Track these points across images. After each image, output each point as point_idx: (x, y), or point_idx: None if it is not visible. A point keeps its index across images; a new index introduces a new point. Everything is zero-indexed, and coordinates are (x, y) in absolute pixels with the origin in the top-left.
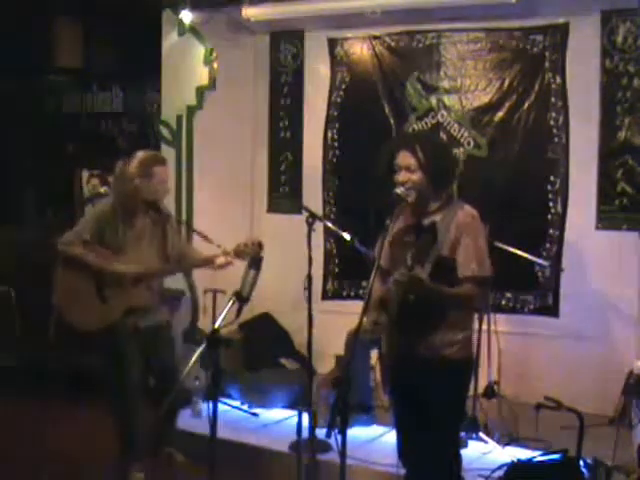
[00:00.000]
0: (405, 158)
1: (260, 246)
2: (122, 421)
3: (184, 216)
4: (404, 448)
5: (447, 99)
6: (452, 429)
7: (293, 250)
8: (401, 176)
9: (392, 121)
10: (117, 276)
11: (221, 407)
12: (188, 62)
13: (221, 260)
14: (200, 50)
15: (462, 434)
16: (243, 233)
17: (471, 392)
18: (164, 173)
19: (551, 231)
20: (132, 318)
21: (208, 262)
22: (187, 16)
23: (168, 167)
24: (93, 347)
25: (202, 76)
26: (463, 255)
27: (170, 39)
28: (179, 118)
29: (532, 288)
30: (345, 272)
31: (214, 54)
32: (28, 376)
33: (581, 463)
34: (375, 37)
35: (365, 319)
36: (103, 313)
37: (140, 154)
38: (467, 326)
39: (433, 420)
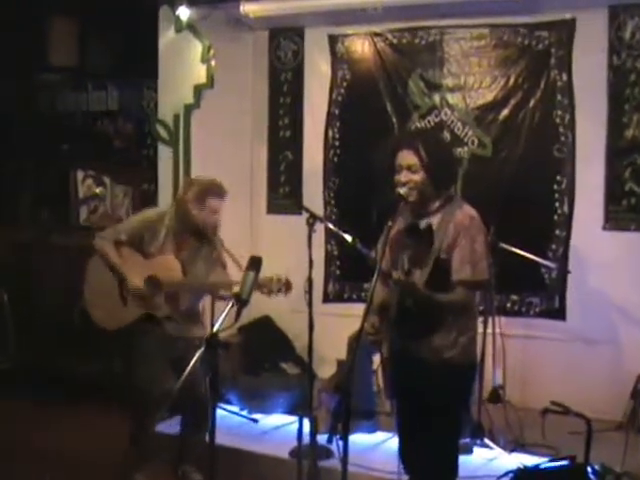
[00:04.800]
0: (407, 158)
1: (287, 285)
2: (131, 421)
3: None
4: (406, 453)
5: (450, 97)
6: (454, 434)
7: (293, 252)
8: (403, 176)
9: (394, 120)
10: (129, 290)
11: (220, 413)
12: (185, 60)
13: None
14: (198, 47)
15: (467, 440)
16: (242, 234)
17: (476, 397)
18: (218, 205)
19: (557, 232)
20: (155, 324)
21: (225, 287)
22: (184, 12)
23: (224, 199)
24: (113, 346)
25: (200, 74)
26: (458, 258)
27: (167, 36)
28: (176, 117)
29: (538, 290)
30: (346, 274)
31: (212, 51)
32: (24, 379)
33: (589, 470)
34: (377, 34)
35: (367, 322)
36: (122, 315)
37: (203, 181)
38: (469, 329)
39: (435, 425)
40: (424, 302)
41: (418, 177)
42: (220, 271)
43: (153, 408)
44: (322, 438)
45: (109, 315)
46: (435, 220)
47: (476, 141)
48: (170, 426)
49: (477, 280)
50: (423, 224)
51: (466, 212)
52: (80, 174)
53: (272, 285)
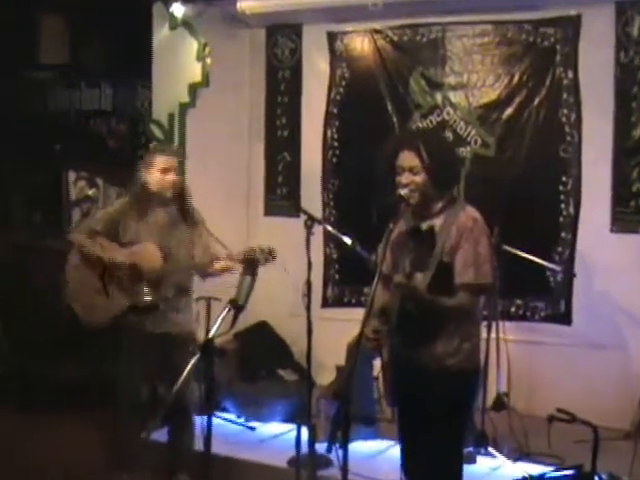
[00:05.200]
0: (408, 159)
1: (272, 253)
2: (114, 427)
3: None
4: (407, 461)
5: (453, 96)
6: (457, 442)
7: (291, 255)
8: (404, 178)
9: (395, 119)
10: (115, 269)
11: (216, 421)
12: (180, 58)
13: (221, 264)
14: (193, 45)
15: (470, 449)
16: (239, 237)
17: (479, 404)
18: (166, 163)
19: (563, 234)
20: (138, 318)
21: (208, 264)
22: (179, 9)
23: (175, 157)
24: (98, 346)
25: (195, 72)
26: (461, 261)
27: (161, 33)
28: (171, 116)
29: (543, 294)
30: (346, 278)
31: (208, 49)
32: (14, 385)
33: (596, 479)
34: (377, 31)
35: (367, 327)
36: (106, 308)
37: (150, 145)
38: (472, 335)
39: (437, 433)
40: (426, 306)
41: (419, 179)
42: (202, 247)
43: (128, 414)
44: (321, 447)
45: (93, 310)
46: (437, 222)
47: (479, 141)
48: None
49: (481, 284)
50: (425, 226)
51: (469, 214)
52: (72, 175)
53: (257, 255)
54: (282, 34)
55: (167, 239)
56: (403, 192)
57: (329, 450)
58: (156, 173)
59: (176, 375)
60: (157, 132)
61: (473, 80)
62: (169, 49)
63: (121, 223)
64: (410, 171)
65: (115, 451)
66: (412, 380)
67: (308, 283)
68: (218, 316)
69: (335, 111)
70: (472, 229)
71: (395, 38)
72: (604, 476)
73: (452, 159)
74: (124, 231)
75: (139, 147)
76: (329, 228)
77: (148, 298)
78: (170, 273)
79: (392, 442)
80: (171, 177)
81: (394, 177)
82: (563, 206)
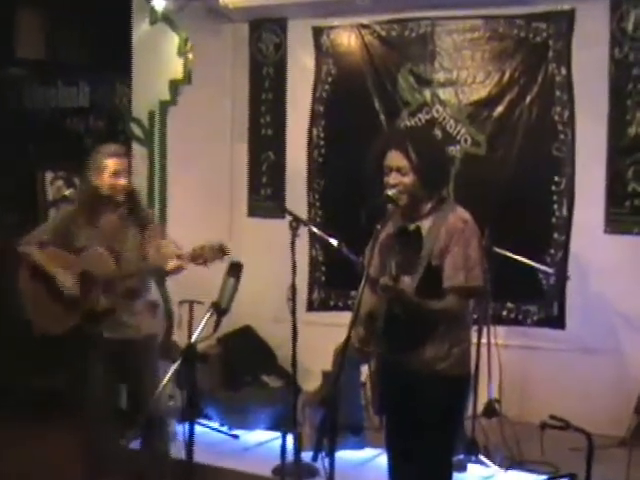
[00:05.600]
0: (396, 159)
1: (222, 250)
2: (83, 438)
3: (157, 221)
4: (395, 470)
5: (442, 93)
6: (447, 451)
7: (276, 257)
8: (392, 178)
9: (383, 117)
10: (61, 286)
11: (198, 429)
12: (161, 53)
13: (172, 264)
14: (174, 40)
15: (461, 457)
16: (221, 239)
17: (470, 411)
18: (117, 165)
19: (556, 235)
20: (95, 327)
21: (161, 265)
22: (160, 3)
23: (126, 159)
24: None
25: (176, 68)
26: (450, 264)
27: (141, 28)
28: (151, 114)
29: (535, 297)
30: (332, 281)
31: (189, 45)
32: None
33: None
34: (364, 26)
35: (354, 332)
36: (61, 318)
37: (97, 148)
38: (462, 339)
39: (426, 441)
40: (414, 310)
41: (408, 179)
42: (155, 248)
43: (94, 422)
44: (307, 455)
45: (50, 321)
46: (426, 224)
47: (469, 139)
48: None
49: (471, 287)
50: (412, 227)
51: (459, 215)
52: (49, 175)
53: (206, 253)
54: (266, 29)
55: (119, 242)
56: (391, 193)
57: (315, 459)
58: (108, 177)
59: (139, 380)
60: (137, 130)
61: (463, 77)
62: (149, 44)
63: (71, 230)
64: (398, 171)
65: (85, 459)
66: (400, 387)
67: (293, 286)
68: (200, 320)
69: (321, 109)
70: (462, 231)
71: (383, 33)
72: None
73: (442, 158)
74: (74, 237)
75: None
76: (315, 230)
77: (105, 303)
78: (123, 277)
79: (379, 450)
80: (123, 180)
81: (382, 177)
82: (556, 206)
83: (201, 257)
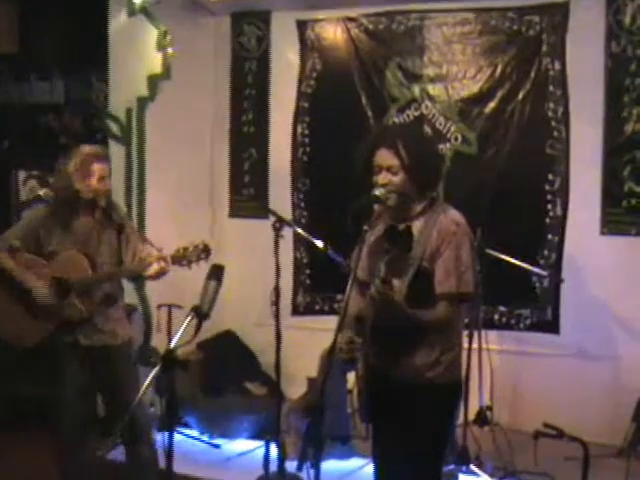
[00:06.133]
0: (385, 157)
1: (206, 250)
2: (58, 449)
3: (135, 221)
4: None
5: (432, 88)
6: (437, 461)
7: (259, 259)
8: (381, 177)
9: (370, 114)
10: (35, 294)
11: (178, 438)
12: (139, 48)
13: (154, 267)
14: (152, 34)
15: (451, 467)
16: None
17: (461, 419)
18: (104, 170)
19: (550, 237)
20: (70, 334)
21: (139, 269)
22: None
23: (109, 163)
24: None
25: (155, 63)
26: (442, 268)
27: (118, 21)
28: (129, 111)
29: (528, 301)
30: (318, 284)
31: (168, 38)
32: None
33: None
34: (350, 19)
35: (340, 337)
36: (34, 327)
37: (79, 149)
38: (453, 345)
39: (415, 451)
40: (403, 318)
41: (398, 179)
42: (131, 252)
43: (70, 431)
44: (291, 465)
45: (21, 332)
46: (417, 225)
47: (460, 137)
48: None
49: (462, 292)
50: (402, 226)
51: (451, 217)
52: (22, 174)
53: (189, 254)
54: (248, 22)
55: (94, 246)
56: (379, 192)
57: (300, 469)
58: (95, 182)
59: (117, 387)
60: (114, 128)
61: (453, 72)
62: (127, 38)
63: (42, 233)
64: (388, 170)
65: (61, 470)
66: (388, 394)
67: (277, 289)
68: (180, 325)
69: (306, 105)
70: (454, 233)
71: (370, 26)
72: None
73: (434, 157)
74: (47, 240)
75: (94, 144)
76: (299, 230)
77: (80, 312)
78: (99, 282)
79: (367, 460)
80: (107, 185)
81: (371, 177)
82: (550, 206)
83: (184, 259)
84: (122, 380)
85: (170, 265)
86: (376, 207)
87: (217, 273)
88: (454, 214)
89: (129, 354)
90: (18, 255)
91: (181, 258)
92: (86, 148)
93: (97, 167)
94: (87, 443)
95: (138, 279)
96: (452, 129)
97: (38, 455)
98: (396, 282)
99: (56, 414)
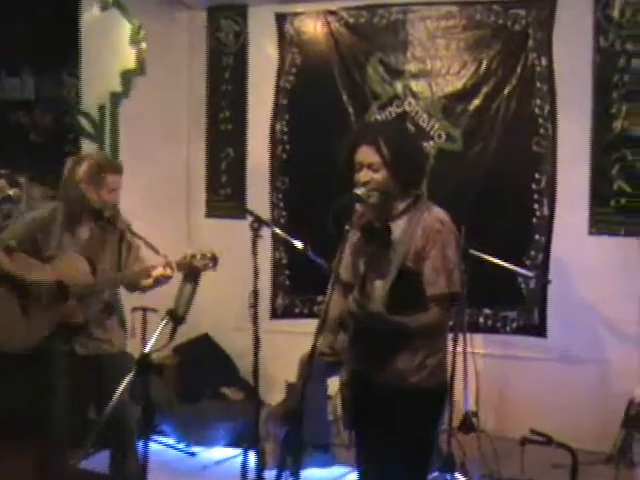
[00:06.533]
0: (367, 155)
1: (213, 259)
2: (41, 464)
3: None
4: None
5: (414, 84)
6: (422, 468)
7: (236, 261)
8: (362, 175)
9: (351, 110)
10: (38, 288)
11: (153, 446)
12: (112, 42)
13: (158, 271)
14: (126, 28)
15: (436, 474)
16: (178, 241)
17: (445, 425)
18: (117, 183)
19: (536, 237)
20: (66, 343)
21: (142, 275)
22: None
23: (122, 175)
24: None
25: (128, 59)
26: (430, 268)
27: (90, 15)
28: (101, 108)
29: (515, 303)
30: (297, 286)
31: (142, 33)
32: None
33: None
34: (331, 12)
35: (322, 341)
36: (27, 331)
37: (94, 157)
38: (439, 349)
39: (400, 458)
40: (390, 329)
41: (380, 176)
42: (134, 258)
43: (59, 442)
44: (270, 474)
45: (12, 335)
46: (401, 224)
47: (444, 135)
48: (98, 462)
49: (453, 293)
50: (378, 223)
51: (435, 215)
52: None
53: (196, 262)
54: (225, 16)
55: (96, 252)
56: (360, 191)
57: (279, 477)
58: (106, 193)
59: (110, 397)
60: (86, 125)
61: (437, 67)
62: (99, 32)
63: (41, 236)
64: (369, 167)
65: None
66: (371, 400)
67: (255, 292)
68: (155, 329)
69: (285, 102)
70: (439, 232)
71: (351, 20)
72: None
73: (417, 153)
74: (45, 245)
75: (66, 142)
76: (278, 231)
77: (77, 316)
78: (100, 289)
79: (349, 469)
80: (117, 196)
81: (352, 175)
82: (536, 206)
83: (190, 266)
84: (114, 391)
85: (175, 272)
86: (358, 206)
87: (193, 275)
88: (438, 212)
89: (124, 364)
90: (15, 256)
91: (187, 266)
92: (100, 158)
93: (111, 179)
94: (69, 454)
95: (137, 288)
96: (436, 126)
97: (20, 467)
98: (378, 283)
99: (42, 424)
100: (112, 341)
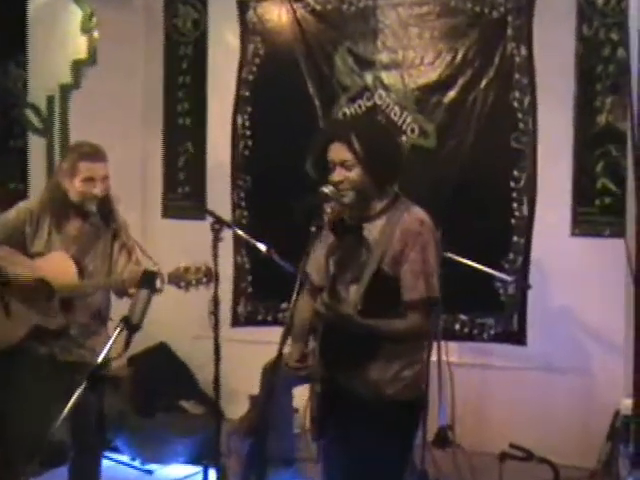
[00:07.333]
0: (339, 152)
1: (207, 274)
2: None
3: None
4: None
5: (386, 76)
6: None
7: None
8: (335, 174)
9: (318, 103)
10: (18, 283)
11: (105, 463)
12: (61, 30)
13: None
14: (77, 15)
15: None
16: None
17: (419, 440)
18: (93, 171)
19: (515, 238)
20: (46, 345)
21: (132, 282)
22: None
23: (104, 162)
24: None
25: (79, 47)
26: (408, 272)
27: (38, 1)
28: (50, 99)
29: (492, 309)
30: (261, 292)
31: (94, 20)
32: None
33: None
34: None
35: (290, 350)
36: (5, 330)
37: (73, 145)
38: (415, 360)
39: (370, 475)
40: (362, 333)
41: (354, 174)
42: (125, 261)
43: (22, 457)
44: None
45: None
46: (379, 224)
47: (417, 129)
48: None
49: (432, 297)
50: (347, 219)
51: (415, 215)
52: None
53: (189, 276)
54: (183, 2)
55: (85, 253)
56: (327, 190)
57: None
58: (79, 183)
59: (82, 409)
60: (33, 118)
61: (409, 57)
62: (48, 20)
63: (28, 231)
64: (342, 165)
65: None
66: (341, 412)
67: (215, 298)
68: (109, 337)
69: (247, 94)
70: (419, 233)
71: (318, 7)
72: None
73: (391, 147)
74: (34, 237)
75: (12, 136)
76: (240, 233)
77: (59, 320)
78: (86, 292)
79: None
80: (98, 188)
81: (322, 173)
82: (515, 205)
83: (182, 280)
84: (92, 401)
85: (165, 283)
86: (332, 206)
87: (149, 280)
88: (418, 212)
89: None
90: None
91: (179, 278)
92: (76, 144)
93: (83, 166)
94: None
95: (126, 294)
96: (408, 120)
97: None
98: (352, 288)
99: (8, 433)
100: (94, 349)
